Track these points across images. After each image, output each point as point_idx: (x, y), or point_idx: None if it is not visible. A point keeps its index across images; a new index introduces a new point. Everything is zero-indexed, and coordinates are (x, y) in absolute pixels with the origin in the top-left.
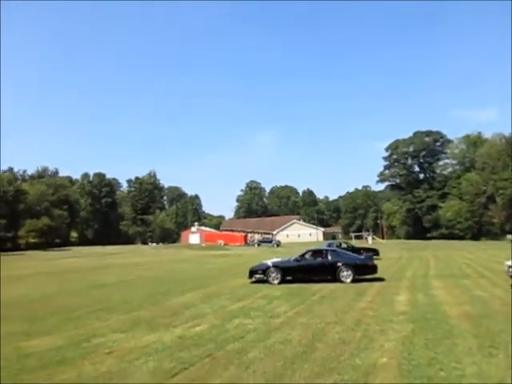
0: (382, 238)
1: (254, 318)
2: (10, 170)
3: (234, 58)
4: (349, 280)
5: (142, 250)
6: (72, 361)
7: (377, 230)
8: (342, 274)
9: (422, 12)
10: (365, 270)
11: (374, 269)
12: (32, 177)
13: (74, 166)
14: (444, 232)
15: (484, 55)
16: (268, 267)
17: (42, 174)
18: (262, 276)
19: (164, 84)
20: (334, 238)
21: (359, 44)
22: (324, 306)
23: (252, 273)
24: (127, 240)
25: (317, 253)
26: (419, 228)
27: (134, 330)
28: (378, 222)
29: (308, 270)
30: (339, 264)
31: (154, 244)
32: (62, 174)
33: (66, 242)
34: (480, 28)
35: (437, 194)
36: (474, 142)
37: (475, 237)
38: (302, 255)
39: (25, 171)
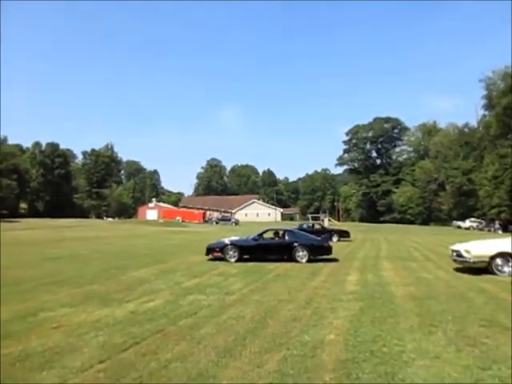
0: (338, 221)
1: (208, 294)
2: None
3: (198, 32)
4: (304, 260)
5: (98, 225)
6: (17, 335)
7: (333, 213)
8: (297, 254)
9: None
10: (320, 250)
11: (329, 250)
12: None
13: (26, 134)
14: (396, 216)
15: (450, 43)
16: (226, 245)
17: None
18: (219, 254)
19: (126, 53)
20: (291, 218)
21: (326, 26)
22: (278, 284)
23: (209, 250)
24: (81, 214)
25: (275, 233)
26: (373, 212)
27: (85, 304)
28: (335, 204)
29: (265, 250)
30: (295, 244)
31: (110, 219)
32: (11, 142)
33: (14, 214)
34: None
35: (391, 179)
36: (429, 130)
37: (425, 222)
38: (260, 234)
39: None
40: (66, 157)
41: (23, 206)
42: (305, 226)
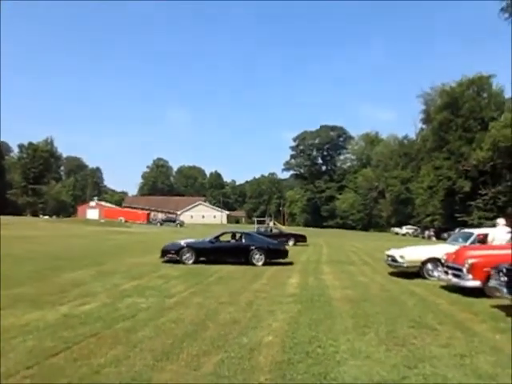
0: (283, 225)
1: (148, 297)
2: None
3: (144, 30)
4: (260, 263)
5: (33, 223)
6: None
7: (279, 217)
8: (254, 257)
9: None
10: (276, 254)
11: (285, 253)
12: None
13: None
14: (339, 222)
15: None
16: (182, 247)
17: None
18: (174, 256)
19: (72, 46)
20: (237, 221)
21: (274, 34)
22: (220, 286)
23: (165, 252)
24: (15, 211)
25: (231, 235)
26: (317, 217)
27: (13, 308)
28: (281, 208)
29: (222, 252)
30: (252, 247)
31: (47, 217)
32: None
33: None
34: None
35: (335, 186)
36: (372, 140)
37: (365, 228)
38: (217, 237)
39: None
40: None
41: None
42: (262, 230)
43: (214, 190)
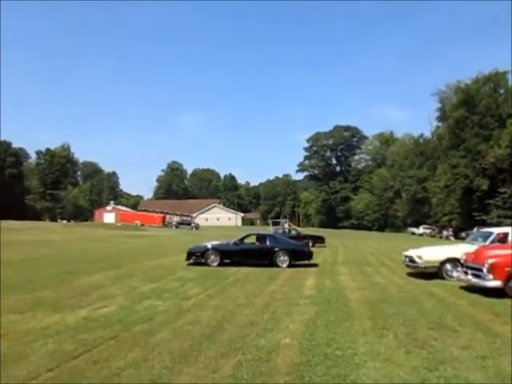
0: (298, 226)
1: (165, 299)
2: None
3: (159, 34)
4: (285, 265)
5: (51, 227)
6: None
7: (293, 218)
8: (279, 259)
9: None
10: (301, 255)
11: (309, 255)
12: None
13: None
14: (354, 222)
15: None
16: (207, 249)
17: None
18: (200, 258)
19: (86, 52)
20: (252, 223)
21: (287, 36)
22: (236, 288)
23: (190, 254)
24: (34, 216)
25: (256, 238)
26: (332, 217)
27: (34, 311)
28: (295, 209)
29: (246, 254)
30: (277, 249)
31: (65, 221)
32: None
33: None
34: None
35: (350, 186)
36: (387, 140)
37: (381, 228)
38: (241, 239)
39: None
40: (18, 156)
41: None
42: (280, 232)
43: (228, 192)
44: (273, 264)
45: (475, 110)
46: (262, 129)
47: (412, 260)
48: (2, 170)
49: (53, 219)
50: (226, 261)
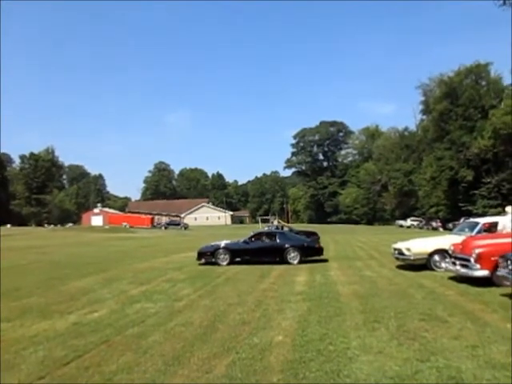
0: (287, 222)
1: (156, 301)
2: None
3: (145, 35)
4: (296, 262)
5: (38, 233)
6: None
7: (282, 215)
8: (289, 255)
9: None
10: (312, 251)
11: (320, 251)
12: None
13: None
14: (343, 217)
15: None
16: (217, 249)
17: None
18: (210, 257)
19: (68, 51)
20: (241, 221)
21: (271, 33)
22: (228, 287)
23: (201, 254)
24: (20, 221)
25: (265, 235)
26: (321, 213)
27: (22, 318)
28: (284, 206)
29: (257, 252)
30: (287, 246)
31: (52, 226)
32: None
33: None
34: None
35: (338, 181)
36: (372, 134)
37: (370, 222)
38: (251, 237)
39: None
40: (1, 161)
41: None
42: (273, 229)
43: (216, 191)
44: (283, 261)
45: (458, 102)
46: (249, 127)
47: (401, 252)
48: None
49: (39, 224)
50: (237, 259)
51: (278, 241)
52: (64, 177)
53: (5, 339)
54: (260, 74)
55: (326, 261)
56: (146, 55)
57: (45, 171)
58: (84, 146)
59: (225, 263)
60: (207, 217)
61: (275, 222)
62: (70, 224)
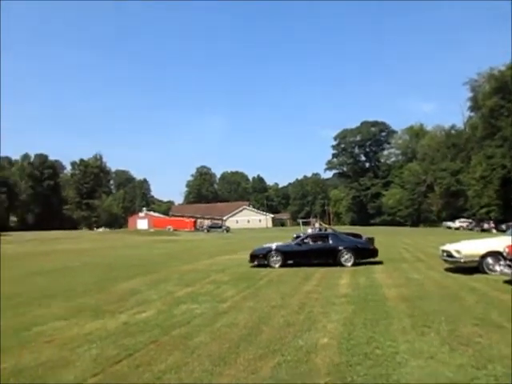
0: (329, 224)
1: (201, 303)
2: None
3: (183, 43)
4: (349, 264)
5: (88, 236)
6: (10, 350)
7: (324, 217)
8: (343, 257)
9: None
10: (366, 253)
11: (375, 252)
12: None
13: (14, 147)
14: (386, 218)
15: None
16: (269, 251)
17: None
18: (263, 260)
19: (113, 62)
20: (282, 224)
21: (310, 34)
22: (271, 290)
23: (253, 257)
24: (71, 225)
25: (318, 237)
26: (364, 214)
27: (76, 318)
28: (325, 208)
29: (309, 254)
30: (340, 248)
31: (101, 229)
32: None
33: (4, 227)
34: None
35: (381, 182)
36: (417, 133)
37: (415, 223)
38: (303, 239)
39: None
40: (54, 168)
41: (13, 218)
42: (317, 231)
43: (257, 194)
44: (336, 263)
45: (510, 97)
46: (289, 129)
47: (450, 255)
48: (40, 182)
49: (89, 227)
50: (289, 262)
51: (330, 242)
52: (111, 182)
53: (61, 337)
54: (298, 74)
55: (370, 263)
56: (183, 58)
57: (94, 177)
58: (128, 153)
59: (277, 265)
60: (248, 220)
61: (316, 225)
62: (103, 228)
